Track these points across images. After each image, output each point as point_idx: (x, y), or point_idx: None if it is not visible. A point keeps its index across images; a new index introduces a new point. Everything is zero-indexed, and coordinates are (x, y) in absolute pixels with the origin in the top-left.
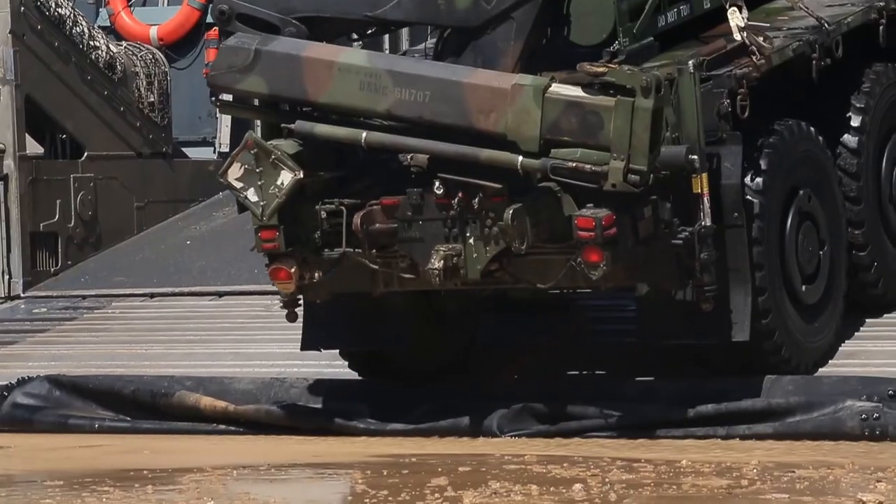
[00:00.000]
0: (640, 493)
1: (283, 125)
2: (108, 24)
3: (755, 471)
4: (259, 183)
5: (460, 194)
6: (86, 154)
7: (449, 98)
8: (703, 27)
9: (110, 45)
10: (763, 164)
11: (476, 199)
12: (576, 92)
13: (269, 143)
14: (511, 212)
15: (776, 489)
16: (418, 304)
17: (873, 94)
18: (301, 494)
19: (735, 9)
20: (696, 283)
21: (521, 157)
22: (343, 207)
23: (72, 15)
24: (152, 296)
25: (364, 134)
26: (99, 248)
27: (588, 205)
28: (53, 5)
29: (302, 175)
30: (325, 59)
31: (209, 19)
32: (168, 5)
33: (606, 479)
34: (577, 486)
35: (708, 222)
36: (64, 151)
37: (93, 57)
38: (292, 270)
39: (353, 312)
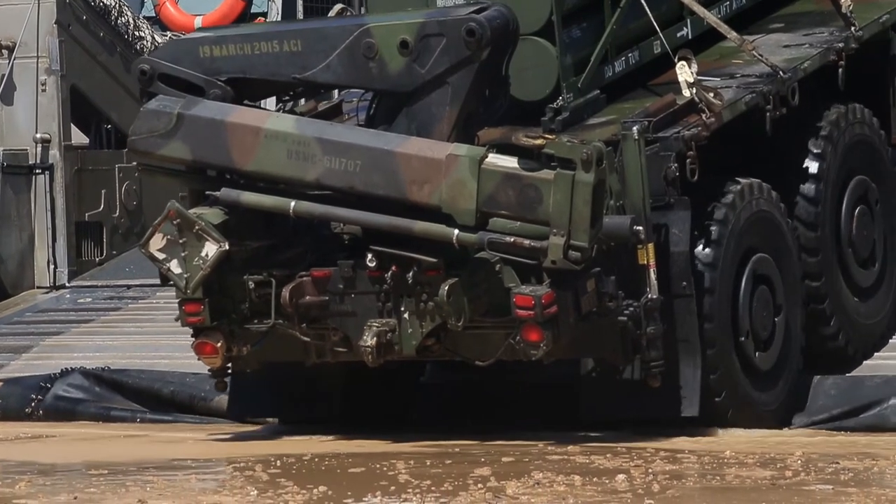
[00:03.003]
0: (683, 484)
1: (207, 192)
2: (153, 15)
3: (799, 462)
4: (182, 254)
5: (394, 267)
6: None
7: (381, 168)
8: (655, 72)
9: (155, 36)
10: (714, 231)
11: (410, 273)
12: (513, 164)
13: (192, 212)
14: (447, 287)
15: (820, 480)
16: (353, 365)
17: (832, 138)
18: (343, 484)
19: (684, 63)
20: (642, 358)
21: (456, 231)
22: (272, 278)
23: (117, 5)
24: None
25: (293, 203)
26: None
27: (531, 279)
28: None
29: (227, 246)
30: (251, 125)
31: (254, 9)
32: None
33: (650, 470)
34: (621, 476)
35: (654, 295)
36: (109, 141)
37: (138, 47)
38: (219, 345)
39: (281, 379)
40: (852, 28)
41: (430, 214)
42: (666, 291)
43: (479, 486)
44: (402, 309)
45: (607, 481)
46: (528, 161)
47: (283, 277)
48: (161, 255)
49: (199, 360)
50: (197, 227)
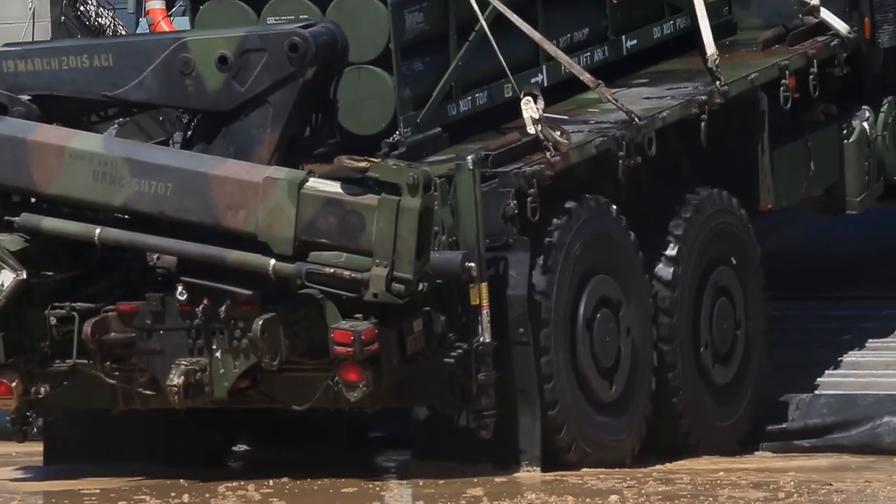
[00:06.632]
0: None
1: (6, 217)
2: None
3: (792, 483)
4: None
5: (206, 301)
6: None
7: (193, 192)
8: (508, 117)
9: None
10: (549, 256)
11: (223, 307)
12: (335, 188)
13: None
14: (261, 322)
15: (813, 501)
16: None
17: (694, 223)
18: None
19: (529, 99)
20: (472, 406)
21: (272, 261)
22: (75, 313)
23: (112, 24)
24: None
25: (98, 230)
26: None
27: (357, 315)
28: (94, 15)
29: (25, 275)
30: (54, 144)
31: None
32: None
33: (643, 491)
34: (614, 497)
35: (487, 338)
36: None
37: None
38: (13, 384)
39: (96, 423)
40: (717, 82)
41: (247, 243)
42: (503, 338)
43: None
44: (214, 347)
45: (600, 502)
46: (351, 185)
47: (87, 312)
48: None
49: None
50: None
